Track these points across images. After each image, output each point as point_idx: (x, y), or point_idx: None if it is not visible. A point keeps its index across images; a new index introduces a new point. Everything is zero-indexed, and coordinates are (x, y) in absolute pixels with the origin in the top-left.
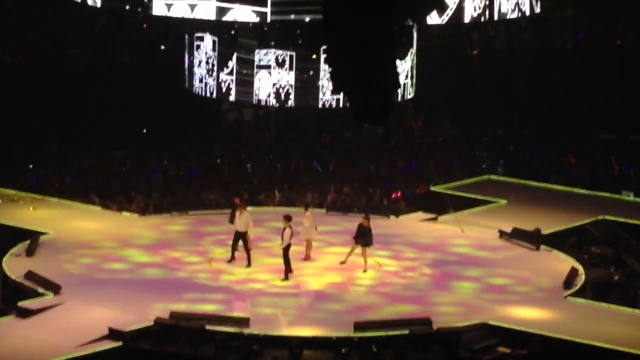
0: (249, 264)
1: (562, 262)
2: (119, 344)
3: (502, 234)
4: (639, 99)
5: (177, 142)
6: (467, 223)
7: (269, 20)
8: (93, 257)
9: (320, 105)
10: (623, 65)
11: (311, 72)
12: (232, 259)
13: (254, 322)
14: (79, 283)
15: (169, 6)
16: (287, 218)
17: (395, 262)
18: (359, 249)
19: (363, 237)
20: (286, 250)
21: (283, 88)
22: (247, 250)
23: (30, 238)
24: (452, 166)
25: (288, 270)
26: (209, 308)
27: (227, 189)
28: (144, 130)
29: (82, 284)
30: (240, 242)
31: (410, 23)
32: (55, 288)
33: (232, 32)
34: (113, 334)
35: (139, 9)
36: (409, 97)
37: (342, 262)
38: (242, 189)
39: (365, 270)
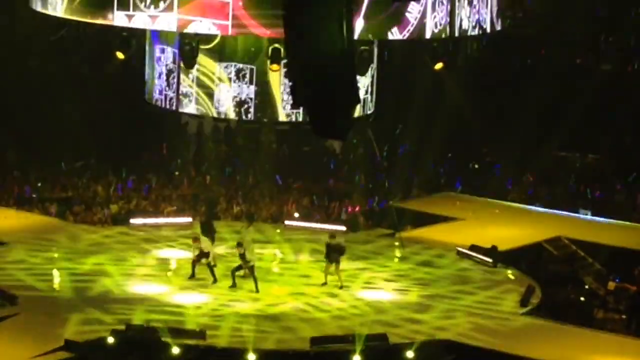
0: (191, 276)
1: (519, 280)
2: (75, 355)
3: (459, 251)
4: (598, 118)
5: (137, 153)
6: (425, 241)
7: (230, 33)
8: (50, 268)
9: (280, 119)
10: (583, 84)
11: (271, 86)
12: (192, 275)
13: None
14: (35, 294)
15: (130, 17)
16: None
17: (353, 278)
18: (332, 267)
19: (334, 254)
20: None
21: (243, 101)
22: (194, 262)
23: None
24: (411, 182)
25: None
26: (165, 320)
27: (185, 201)
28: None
29: (38, 294)
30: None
31: (371, 38)
32: (11, 298)
33: (193, 44)
34: (69, 345)
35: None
36: (369, 112)
37: (324, 283)
38: (200, 201)
39: (341, 287)
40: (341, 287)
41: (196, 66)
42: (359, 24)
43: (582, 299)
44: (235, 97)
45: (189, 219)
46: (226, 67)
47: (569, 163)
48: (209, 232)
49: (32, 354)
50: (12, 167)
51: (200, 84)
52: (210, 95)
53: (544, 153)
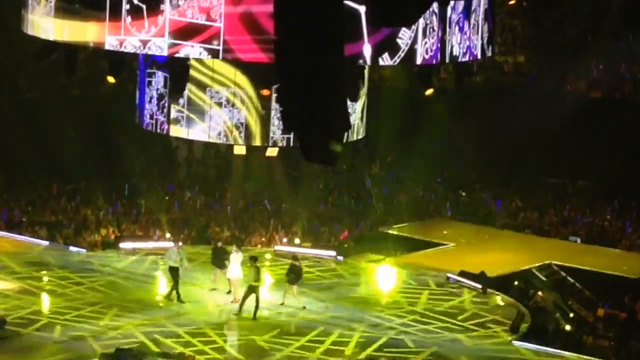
0: (167, 297)
1: (508, 306)
2: None
3: (449, 277)
4: (588, 144)
5: (127, 177)
6: (415, 266)
7: (221, 57)
8: (39, 291)
9: (270, 144)
10: (572, 110)
11: (263, 111)
12: (178, 297)
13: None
14: (25, 317)
15: (121, 41)
16: (253, 259)
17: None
18: (291, 288)
19: (293, 275)
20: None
21: (234, 126)
22: (175, 283)
23: None
24: (401, 207)
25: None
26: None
27: (175, 225)
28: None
29: (28, 318)
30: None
31: (362, 63)
32: (0, 322)
33: (184, 68)
34: None
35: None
36: (359, 137)
37: (282, 304)
38: (190, 225)
39: (304, 307)
40: (304, 308)
41: (187, 91)
42: (367, 49)
43: (571, 325)
44: (226, 121)
45: (180, 244)
46: (217, 91)
47: (559, 189)
48: (219, 258)
49: None
50: (1, 190)
51: (190, 109)
52: (201, 120)
53: (533, 179)
